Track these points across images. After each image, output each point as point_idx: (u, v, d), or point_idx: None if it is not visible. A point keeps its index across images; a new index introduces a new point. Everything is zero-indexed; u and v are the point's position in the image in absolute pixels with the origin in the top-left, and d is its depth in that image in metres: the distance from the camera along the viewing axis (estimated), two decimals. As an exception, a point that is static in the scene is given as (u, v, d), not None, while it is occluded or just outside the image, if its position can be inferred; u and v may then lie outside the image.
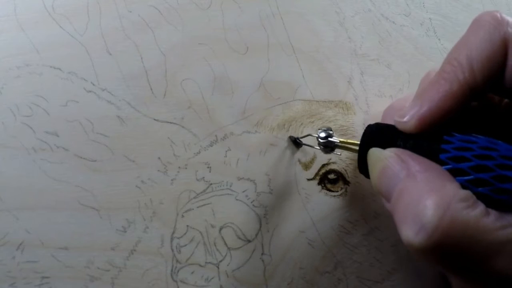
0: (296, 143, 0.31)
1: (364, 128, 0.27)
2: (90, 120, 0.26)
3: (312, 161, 0.31)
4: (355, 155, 0.33)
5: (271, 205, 0.30)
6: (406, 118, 0.24)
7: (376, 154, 0.25)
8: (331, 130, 0.29)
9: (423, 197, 0.21)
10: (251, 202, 0.29)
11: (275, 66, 0.32)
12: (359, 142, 0.27)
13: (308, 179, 0.31)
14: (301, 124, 0.32)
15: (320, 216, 0.31)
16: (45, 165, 0.25)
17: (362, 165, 0.26)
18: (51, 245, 0.24)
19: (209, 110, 0.29)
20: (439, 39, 0.40)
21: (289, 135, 0.31)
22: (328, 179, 0.32)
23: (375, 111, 0.35)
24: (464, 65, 0.23)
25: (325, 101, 0.33)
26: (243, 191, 0.29)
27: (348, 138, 0.29)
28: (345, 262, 0.31)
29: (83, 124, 0.26)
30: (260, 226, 0.29)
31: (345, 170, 0.32)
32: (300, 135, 0.31)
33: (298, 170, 0.31)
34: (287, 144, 0.31)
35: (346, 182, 0.32)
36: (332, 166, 0.32)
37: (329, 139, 0.29)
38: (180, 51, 0.29)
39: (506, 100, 0.27)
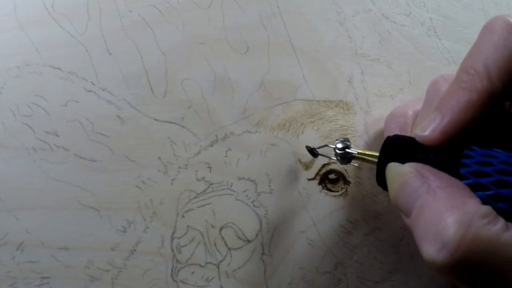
0: (312, 153, 0.30)
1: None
2: (90, 120, 0.26)
3: (312, 161, 0.31)
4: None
5: (271, 205, 0.30)
6: (428, 132, 0.24)
7: (395, 169, 0.25)
8: (348, 141, 0.29)
9: (445, 214, 0.21)
10: (251, 202, 0.29)
11: (276, 65, 0.31)
12: (377, 154, 0.26)
13: (309, 179, 0.31)
14: (302, 124, 0.32)
15: (320, 216, 0.31)
16: (45, 165, 0.25)
17: (381, 178, 0.26)
18: (51, 245, 0.24)
19: (209, 110, 0.29)
20: (439, 39, 0.40)
21: (306, 145, 0.30)
22: (328, 179, 0.32)
23: (375, 111, 0.35)
24: (482, 73, 0.23)
25: (325, 101, 0.33)
26: (243, 191, 0.29)
27: (365, 150, 0.29)
28: (346, 262, 0.31)
29: (83, 124, 0.26)
30: (260, 226, 0.29)
31: (346, 170, 0.32)
32: (316, 146, 0.30)
33: (298, 170, 0.31)
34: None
35: (347, 182, 0.32)
36: (333, 166, 0.32)
37: (347, 150, 0.28)
38: (180, 51, 0.29)
39: None
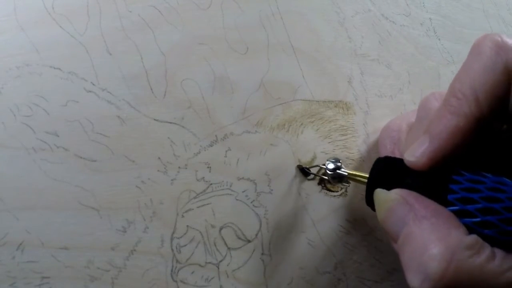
0: (304, 172, 0.31)
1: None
2: (90, 120, 0.26)
3: (312, 161, 0.31)
4: (354, 156, 0.33)
5: (271, 205, 0.30)
6: (416, 158, 0.24)
7: (382, 196, 0.25)
8: (339, 162, 0.29)
9: (429, 246, 0.21)
10: (251, 202, 0.29)
11: (275, 66, 0.32)
12: (367, 175, 0.27)
13: (308, 179, 0.31)
14: (301, 124, 0.32)
15: (320, 216, 0.31)
16: (45, 165, 0.25)
17: (370, 200, 0.26)
18: (51, 245, 0.24)
19: (209, 110, 0.29)
20: (439, 39, 0.40)
21: (297, 164, 0.31)
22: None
23: (375, 111, 0.35)
24: (470, 97, 0.23)
25: (325, 101, 0.33)
26: (243, 191, 0.29)
27: (356, 170, 0.29)
28: (345, 262, 0.31)
29: (83, 124, 0.26)
30: (260, 226, 0.29)
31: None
32: (308, 165, 0.31)
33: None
34: (295, 172, 0.31)
35: (346, 182, 0.32)
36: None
37: (337, 171, 0.29)
38: (180, 51, 0.29)
39: (505, 126, 0.26)
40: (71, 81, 0.26)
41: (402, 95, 0.36)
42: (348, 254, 0.31)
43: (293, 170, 0.31)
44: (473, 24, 0.44)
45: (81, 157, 0.26)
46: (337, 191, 0.32)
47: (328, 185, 0.32)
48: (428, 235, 0.21)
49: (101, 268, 0.25)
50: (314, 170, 0.31)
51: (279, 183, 0.30)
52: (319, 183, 0.31)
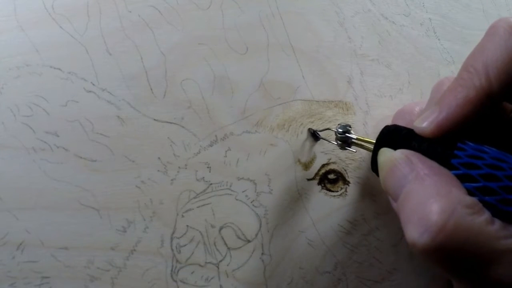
0: (314, 136, 0.31)
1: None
2: (90, 120, 0.26)
3: (312, 161, 0.31)
4: (354, 155, 0.33)
5: (271, 205, 0.30)
6: (425, 124, 0.25)
7: (386, 154, 0.26)
8: (349, 127, 0.30)
9: (430, 201, 0.21)
10: (251, 202, 0.29)
11: (275, 66, 0.32)
12: (374, 141, 0.27)
13: (308, 179, 0.31)
14: (301, 124, 0.32)
15: (320, 216, 0.31)
16: (45, 165, 0.25)
17: (375, 164, 0.27)
18: (51, 245, 0.24)
19: (209, 110, 0.29)
20: (438, 39, 0.40)
21: (308, 127, 0.31)
22: (328, 179, 0.32)
23: (375, 111, 0.35)
24: (481, 72, 0.24)
25: (325, 101, 0.33)
26: (243, 191, 0.29)
27: (365, 136, 0.30)
28: (345, 262, 0.31)
29: (83, 124, 0.26)
30: (260, 226, 0.29)
31: (345, 170, 0.32)
32: (317, 129, 0.31)
33: (298, 170, 0.31)
34: (306, 136, 0.31)
35: (346, 182, 0.32)
36: (332, 166, 0.32)
37: (347, 134, 0.30)
38: (180, 51, 0.29)
39: None
40: (71, 81, 0.26)
41: (402, 95, 0.36)
42: (348, 254, 0.31)
43: (293, 170, 0.31)
44: (473, 24, 0.44)
45: (81, 157, 0.26)
46: (337, 191, 0.32)
47: (328, 185, 0.32)
48: (429, 191, 0.22)
49: (101, 268, 0.25)
50: (324, 134, 0.31)
51: (279, 183, 0.30)
52: (319, 183, 0.31)
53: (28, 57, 0.26)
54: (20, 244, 0.24)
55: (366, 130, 0.34)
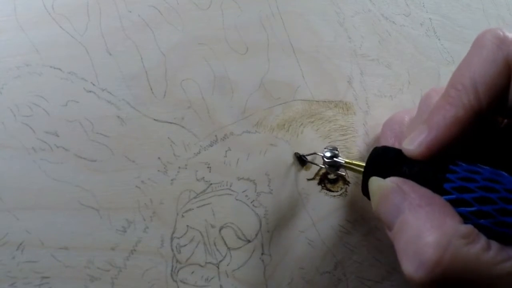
0: (301, 160, 0.31)
1: (368, 150, 0.27)
2: (90, 120, 0.26)
3: (312, 161, 0.31)
4: (354, 155, 0.33)
5: (271, 205, 0.30)
6: (414, 146, 0.24)
7: (376, 183, 0.25)
8: (336, 150, 0.29)
9: (424, 234, 0.21)
10: (251, 202, 0.29)
11: (275, 66, 0.32)
12: (363, 164, 0.27)
13: (308, 179, 0.31)
14: (301, 124, 0.32)
15: (320, 216, 0.31)
16: (45, 165, 0.25)
17: (365, 188, 0.26)
18: (51, 245, 0.24)
19: (209, 110, 0.29)
20: (439, 39, 0.40)
21: (294, 152, 0.31)
22: (328, 179, 0.32)
23: (375, 111, 0.35)
24: (469, 89, 0.23)
25: (325, 101, 0.33)
26: (243, 191, 0.29)
27: (353, 159, 0.29)
28: (345, 262, 0.31)
29: (83, 124, 0.26)
30: (260, 226, 0.29)
31: (345, 170, 0.32)
32: (305, 153, 0.31)
33: (298, 170, 0.31)
34: (292, 160, 0.31)
35: (346, 182, 0.32)
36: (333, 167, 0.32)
37: (335, 159, 0.29)
38: (180, 51, 0.29)
39: (506, 120, 0.26)
40: (71, 81, 0.26)
41: (402, 95, 0.36)
42: (348, 254, 0.31)
43: (293, 170, 0.31)
44: (473, 24, 0.44)
45: (81, 157, 0.26)
46: (337, 191, 0.32)
47: (328, 185, 0.32)
48: (423, 223, 0.21)
49: (101, 268, 0.25)
50: (310, 158, 0.31)
51: (279, 183, 0.30)
52: (319, 183, 0.31)
53: (28, 57, 0.26)
54: (20, 244, 0.24)
55: (366, 130, 0.34)
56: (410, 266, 0.21)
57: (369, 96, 0.35)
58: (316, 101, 0.33)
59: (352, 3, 0.36)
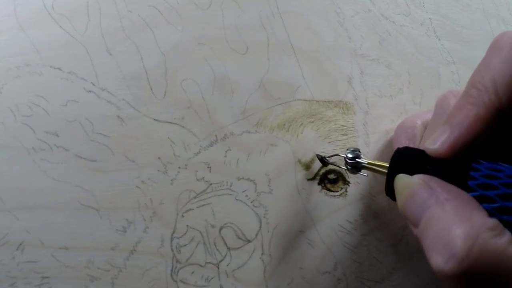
0: (323, 161, 0.31)
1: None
2: (90, 120, 0.26)
3: (312, 161, 0.31)
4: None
5: (271, 205, 0.30)
6: (437, 145, 0.24)
7: (404, 180, 0.25)
8: (359, 151, 0.29)
9: (453, 226, 0.21)
10: (251, 202, 0.29)
11: (275, 66, 0.32)
12: (387, 165, 0.27)
13: (308, 179, 0.31)
14: (301, 124, 0.32)
15: (320, 216, 0.31)
16: (45, 165, 0.25)
17: (390, 189, 0.27)
18: (51, 245, 0.24)
19: (209, 110, 0.29)
20: (439, 39, 0.40)
21: (316, 153, 0.31)
22: (328, 179, 0.32)
23: (375, 111, 0.35)
24: (489, 88, 0.24)
25: (325, 101, 0.33)
26: (243, 191, 0.29)
27: (375, 160, 0.29)
28: (345, 262, 0.31)
29: (83, 124, 0.26)
30: (260, 226, 0.29)
31: (345, 170, 0.32)
32: (326, 155, 0.31)
33: (298, 170, 0.31)
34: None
35: (346, 182, 0.32)
36: (332, 166, 0.32)
37: (357, 160, 0.29)
38: (180, 51, 0.29)
39: None
40: (71, 81, 0.26)
41: (402, 95, 0.36)
42: (348, 254, 0.31)
43: (293, 170, 0.31)
44: (473, 24, 0.44)
45: (81, 157, 0.26)
46: (337, 191, 0.32)
47: (328, 185, 0.32)
48: (451, 217, 0.22)
49: (101, 268, 0.25)
50: (332, 159, 0.31)
51: (279, 183, 0.30)
52: (319, 183, 0.31)
53: (28, 57, 0.26)
54: (20, 244, 0.24)
55: (366, 130, 0.34)
56: (440, 259, 0.21)
57: (369, 96, 0.35)
58: (316, 101, 0.33)
59: (352, 3, 0.36)
